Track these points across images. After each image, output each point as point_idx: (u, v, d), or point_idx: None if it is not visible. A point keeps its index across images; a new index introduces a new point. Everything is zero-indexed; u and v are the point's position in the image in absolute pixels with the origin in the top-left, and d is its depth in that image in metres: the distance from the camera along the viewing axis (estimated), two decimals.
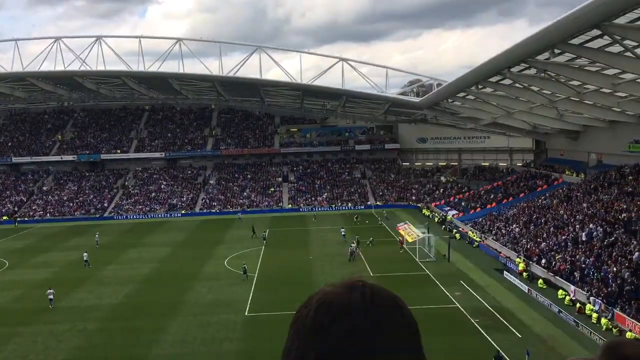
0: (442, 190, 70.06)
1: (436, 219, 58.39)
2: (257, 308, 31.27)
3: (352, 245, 42.62)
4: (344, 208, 68.36)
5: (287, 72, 62.33)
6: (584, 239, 36.33)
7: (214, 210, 69.09)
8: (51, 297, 32.91)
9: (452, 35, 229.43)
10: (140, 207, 70.71)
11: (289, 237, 52.39)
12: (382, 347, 0.89)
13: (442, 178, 73.76)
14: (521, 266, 37.23)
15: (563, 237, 38.27)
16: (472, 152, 76.37)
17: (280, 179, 76.58)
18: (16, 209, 70.80)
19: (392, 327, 0.91)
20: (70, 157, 78.50)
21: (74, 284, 37.09)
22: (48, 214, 69.39)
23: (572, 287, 31.44)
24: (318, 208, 68.91)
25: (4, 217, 68.32)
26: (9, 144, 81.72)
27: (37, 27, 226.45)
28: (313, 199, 71.74)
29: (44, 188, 75.90)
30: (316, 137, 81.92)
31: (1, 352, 26.05)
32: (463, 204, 61.04)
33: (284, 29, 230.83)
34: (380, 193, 72.00)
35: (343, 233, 50.15)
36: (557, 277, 33.87)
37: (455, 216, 57.55)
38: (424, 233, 43.81)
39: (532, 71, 35.57)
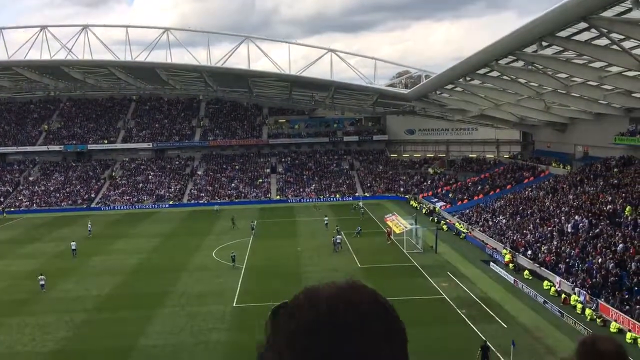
0: (429, 181, 70.39)
1: (424, 211, 58.70)
2: (245, 299, 31.33)
3: (337, 236, 42.85)
4: (332, 199, 68.43)
5: (275, 62, 62.20)
6: (569, 230, 36.74)
7: (201, 201, 68.90)
8: (42, 282, 33.66)
9: (441, 27, 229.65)
10: (127, 197, 70.35)
11: (277, 228, 52.44)
12: (368, 348, 0.90)
13: (430, 170, 74.08)
14: (507, 257, 37.60)
15: (549, 229, 38.68)
16: (459, 143, 76.73)
17: (268, 170, 76.50)
18: (2, 199, 70.13)
19: (377, 329, 0.91)
20: (56, 147, 77.80)
21: (61, 275, 36.90)
22: (34, 205, 68.82)
23: (558, 278, 31.83)
24: (306, 199, 68.99)
25: None
26: None
27: (23, 15, 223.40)
28: (301, 190, 71.77)
29: (30, 178, 75.21)
30: (304, 129, 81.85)
31: None
32: (450, 195, 61.41)
33: (273, 19, 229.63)
34: (368, 184, 72.19)
35: (326, 222, 50.54)
36: (543, 269, 34.27)
37: (442, 207, 57.90)
38: (411, 224, 44.05)
39: (520, 63, 35.79)
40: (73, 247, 43.09)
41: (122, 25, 65.92)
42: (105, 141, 79.53)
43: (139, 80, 73.67)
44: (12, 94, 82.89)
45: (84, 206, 68.30)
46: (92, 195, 71.10)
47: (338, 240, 42.25)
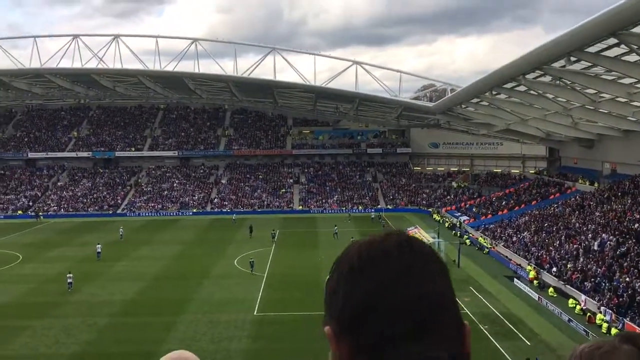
0: (453, 195, 69.88)
1: (446, 224, 58.25)
2: (265, 308, 31.43)
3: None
4: (354, 211, 68.29)
5: (300, 74, 62.33)
6: (595, 248, 36.12)
7: (225, 210, 69.41)
8: (70, 280, 34.91)
9: (467, 42, 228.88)
10: (152, 204, 71.26)
11: (299, 238, 52.53)
12: (422, 283, 0.99)
13: (454, 183, 73.55)
14: (532, 274, 37.08)
15: (575, 246, 38.06)
16: (484, 158, 76.06)
17: (291, 181, 76.81)
18: (31, 203, 71.62)
19: (429, 266, 1.02)
20: (85, 154, 79.35)
21: (86, 279, 37.48)
22: (62, 209, 70.13)
23: (583, 297, 31.28)
24: (329, 210, 69.03)
25: (19, 212, 69.12)
26: (26, 140, 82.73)
27: (56, 25, 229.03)
28: (324, 201, 71.86)
29: (59, 183, 76.72)
30: (328, 140, 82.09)
31: (13, 345, 26.41)
32: (474, 209, 60.86)
33: (299, 30, 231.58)
34: (391, 197, 71.96)
35: (335, 231, 50.59)
36: (568, 286, 33.70)
37: (466, 222, 57.39)
38: (433, 238, 43.76)
39: (547, 78, 35.47)
40: (98, 250, 44.18)
41: (151, 36, 67.15)
42: (133, 149, 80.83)
43: (166, 90, 74.85)
44: (43, 101, 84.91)
45: (110, 212, 69.37)
46: (119, 202, 72.20)
47: None
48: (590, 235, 38.59)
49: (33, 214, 67.81)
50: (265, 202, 71.49)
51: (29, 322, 29.54)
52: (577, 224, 41.94)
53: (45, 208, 70.44)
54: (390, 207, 68.60)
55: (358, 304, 0.99)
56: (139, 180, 77.31)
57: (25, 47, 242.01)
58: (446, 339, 0.98)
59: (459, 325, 1.02)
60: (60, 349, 25.98)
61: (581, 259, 35.76)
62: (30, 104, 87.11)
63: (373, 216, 62.53)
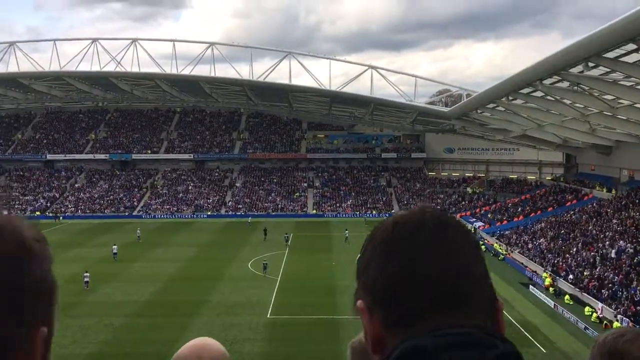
0: (467, 201, 69.52)
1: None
2: (279, 311, 31.51)
3: None
4: (368, 215, 68.18)
5: (316, 78, 62.63)
6: (613, 256, 35.74)
7: (239, 213, 69.72)
8: (86, 279, 35.69)
9: (484, 47, 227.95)
10: (167, 207, 71.80)
11: (313, 242, 52.59)
12: (456, 256, 1.00)
13: (469, 189, 73.17)
14: (547, 281, 36.78)
15: (591, 254, 37.70)
16: (500, 164, 75.58)
17: (305, 184, 76.95)
18: (49, 204, 72.52)
19: (462, 241, 1.03)
20: (102, 156, 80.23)
21: (102, 280, 37.87)
22: (79, 211, 70.92)
23: (600, 305, 30.95)
24: (342, 214, 69.02)
25: (37, 213, 70.02)
26: (44, 141, 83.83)
27: (75, 29, 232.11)
28: (338, 205, 71.89)
29: (77, 185, 77.61)
30: (343, 144, 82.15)
31: None
32: (489, 215, 60.50)
33: (315, 35, 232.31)
34: (405, 202, 71.78)
35: (346, 236, 50.27)
36: (585, 294, 33.37)
37: (480, 228, 57.07)
38: None
39: (565, 84, 35.23)
40: (114, 251, 44.75)
41: (169, 40, 67.94)
42: (149, 151, 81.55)
43: (183, 93, 75.52)
44: (62, 103, 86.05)
45: (126, 214, 70.00)
46: (135, 204, 72.84)
47: None
48: (607, 242, 38.21)
49: (52, 215, 68.66)
50: (280, 206, 71.69)
51: None
52: (594, 231, 41.54)
53: (63, 209, 71.27)
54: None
55: (392, 275, 0.99)
56: (155, 183, 77.96)
57: (45, 50, 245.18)
58: (479, 312, 0.98)
59: (492, 300, 1.02)
60: (77, 349, 26.25)
61: (598, 267, 35.40)
62: (49, 106, 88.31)
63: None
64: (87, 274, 36.22)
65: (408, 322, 0.97)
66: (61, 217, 67.63)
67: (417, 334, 0.93)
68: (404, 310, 0.98)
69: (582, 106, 38.69)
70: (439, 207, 69.27)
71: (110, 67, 64.94)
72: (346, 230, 52.21)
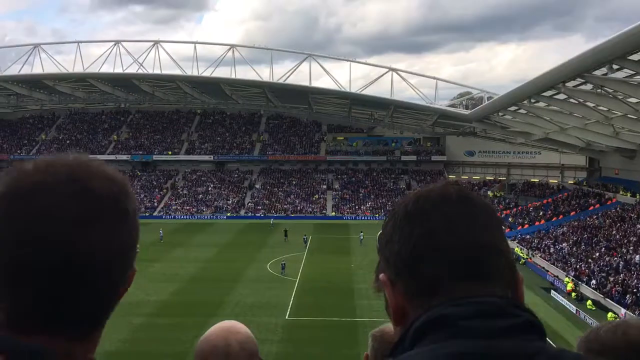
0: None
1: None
2: (298, 312, 31.51)
3: None
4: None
5: (336, 80, 62.71)
6: (637, 261, 35.10)
7: (258, 214, 69.96)
8: None
9: (506, 49, 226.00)
10: (187, 207, 72.34)
11: (332, 244, 52.55)
12: (478, 228, 1.01)
13: (489, 192, 72.46)
14: (569, 286, 36.23)
15: (615, 259, 37.07)
16: (521, 167, 74.77)
17: (324, 186, 76.93)
18: None
19: (485, 216, 1.04)
20: (124, 157, 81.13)
21: None
22: None
23: (623, 310, 30.40)
24: (362, 217, 68.84)
25: None
26: (67, 142, 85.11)
27: (98, 31, 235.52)
28: (357, 207, 71.74)
29: None
30: (362, 146, 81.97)
31: None
32: (510, 219, 59.85)
33: (335, 38, 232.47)
34: None
35: (361, 238, 49.89)
36: (608, 299, 32.80)
37: None
38: None
39: (588, 87, 34.73)
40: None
41: (190, 42, 68.61)
42: (170, 152, 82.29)
43: (204, 95, 76.10)
44: (85, 104, 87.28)
45: (147, 214, 70.66)
46: (155, 204, 73.54)
47: None
48: (631, 247, 37.53)
49: None
50: (299, 208, 71.77)
51: None
52: (618, 236, 40.84)
53: None
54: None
55: (414, 246, 1.00)
56: (175, 184, 78.63)
57: (69, 52, 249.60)
58: (500, 283, 0.99)
59: (513, 272, 1.02)
60: None
61: (622, 272, 34.78)
62: (73, 107, 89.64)
63: None
64: None
65: (430, 292, 0.98)
66: None
67: (439, 304, 0.95)
68: (425, 281, 0.98)
69: (606, 109, 38.12)
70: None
71: (133, 69, 65.79)
72: (361, 232, 51.97)
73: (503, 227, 1.08)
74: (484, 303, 0.94)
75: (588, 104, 37.89)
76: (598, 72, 30.93)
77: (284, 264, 40.77)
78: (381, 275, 1.06)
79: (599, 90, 34.11)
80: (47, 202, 0.89)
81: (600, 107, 37.91)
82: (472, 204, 1.04)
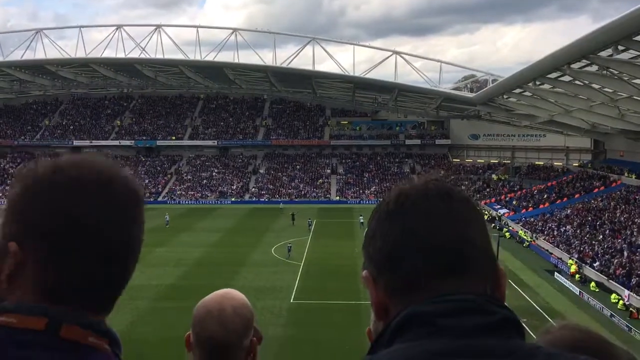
0: (492, 188, 68.80)
1: (485, 217, 57.24)
2: (302, 296, 31.70)
3: None
4: None
5: (339, 64, 62.25)
6: None
7: (262, 199, 70.11)
8: None
9: (511, 31, 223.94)
10: (192, 193, 72.52)
11: (336, 228, 52.69)
12: (457, 224, 1.01)
13: (494, 176, 72.35)
14: (573, 268, 36.30)
15: (619, 241, 37.05)
16: (526, 150, 74.52)
17: (329, 171, 76.93)
18: None
19: (465, 212, 1.04)
20: (128, 142, 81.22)
21: None
22: None
23: (627, 292, 30.46)
24: (366, 201, 68.91)
25: None
26: (71, 128, 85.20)
27: (100, 15, 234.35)
28: (361, 191, 71.77)
29: None
30: (366, 130, 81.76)
31: None
32: (514, 202, 59.81)
33: (339, 21, 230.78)
34: None
35: (361, 221, 50.11)
36: (611, 281, 32.86)
37: (505, 215, 56.47)
38: None
39: (594, 68, 34.42)
40: None
41: (192, 26, 68.23)
42: (173, 137, 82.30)
43: (207, 79, 75.86)
44: (88, 90, 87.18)
45: (151, 199, 70.88)
46: (159, 189, 73.73)
47: None
48: (635, 230, 37.50)
49: None
50: (303, 192, 71.85)
51: None
52: (622, 219, 40.78)
53: None
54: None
55: (394, 243, 1.01)
56: (180, 169, 78.75)
57: (71, 37, 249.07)
58: (480, 279, 1.00)
59: (494, 268, 1.03)
60: None
61: (625, 254, 34.79)
62: (76, 93, 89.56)
63: None
64: None
65: (409, 289, 0.99)
66: None
67: (418, 301, 0.96)
68: (405, 277, 0.99)
69: (611, 91, 37.81)
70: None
71: (135, 54, 65.55)
72: (361, 215, 52.31)
73: (484, 221, 1.09)
74: (461, 300, 0.94)
75: (593, 85, 37.61)
76: (603, 54, 30.64)
77: (290, 246, 41.24)
78: (364, 272, 1.06)
79: (605, 71, 33.81)
80: (82, 197, 1.00)
81: (606, 89, 37.62)
82: (452, 199, 1.04)
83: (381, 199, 1.11)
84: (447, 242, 1.00)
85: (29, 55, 67.56)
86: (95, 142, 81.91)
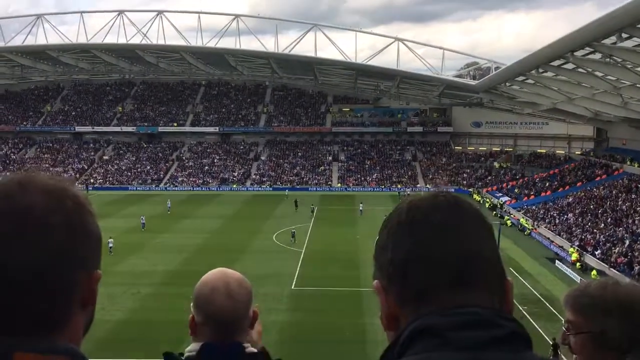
0: (494, 175, 68.73)
1: (487, 205, 57.45)
2: (303, 282, 31.82)
3: None
4: (393, 189, 67.91)
5: (342, 51, 61.95)
6: None
7: (264, 186, 70.15)
8: (111, 245, 36.92)
9: (514, 18, 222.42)
10: (193, 179, 72.58)
11: (337, 215, 52.76)
12: (467, 237, 1.04)
13: (495, 163, 72.27)
14: (574, 256, 36.36)
15: (621, 229, 37.07)
16: (528, 138, 74.34)
17: (330, 158, 76.87)
18: (78, 176, 73.94)
19: (474, 225, 1.07)
20: (129, 129, 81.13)
21: (130, 250, 38.66)
22: (107, 182, 72.18)
23: (627, 280, 30.50)
24: (367, 188, 68.93)
25: None
26: (73, 114, 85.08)
27: (101, 1, 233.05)
28: (362, 179, 71.77)
29: (105, 157, 78.85)
30: (368, 118, 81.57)
31: None
32: (516, 190, 59.79)
33: (341, 7, 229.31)
34: (431, 176, 71.31)
35: (361, 209, 51.03)
36: (612, 269, 32.92)
37: (507, 202, 56.48)
38: None
39: (597, 56, 34.27)
40: (142, 221, 45.81)
41: (194, 12, 67.93)
42: (175, 124, 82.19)
43: (208, 66, 75.61)
44: (89, 76, 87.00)
45: (153, 186, 71.01)
46: (161, 176, 73.78)
47: None
48: (637, 218, 37.50)
49: (83, 186, 70.09)
50: (304, 179, 71.85)
51: None
52: (624, 207, 40.77)
53: (92, 181, 72.62)
54: (429, 187, 68.07)
55: (405, 256, 1.04)
56: (181, 155, 78.74)
57: (72, 22, 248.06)
58: (488, 292, 1.02)
59: (502, 280, 1.06)
60: (106, 315, 26.92)
61: (627, 243, 34.82)
62: (77, 79, 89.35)
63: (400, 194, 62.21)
64: (111, 240, 37.79)
65: (419, 300, 1.01)
66: (88, 190, 68.94)
67: (427, 313, 0.98)
68: (415, 290, 1.02)
69: (615, 79, 37.65)
70: (464, 181, 68.85)
71: (136, 40, 65.24)
72: (361, 203, 52.81)
73: (493, 234, 1.12)
74: (470, 314, 0.97)
75: (596, 73, 37.43)
76: (607, 41, 30.46)
77: (294, 232, 41.95)
78: (375, 283, 1.09)
79: (608, 59, 33.63)
80: None
81: (609, 77, 37.44)
82: (461, 213, 1.07)
83: (392, 210, 1.14)
84: (456, 255, 1.02)
85: (30, 41, 67.34)
86: (97, 129, 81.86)
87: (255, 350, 1.68)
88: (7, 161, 77.11)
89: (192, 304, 1.78)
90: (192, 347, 1.66)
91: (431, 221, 1.05)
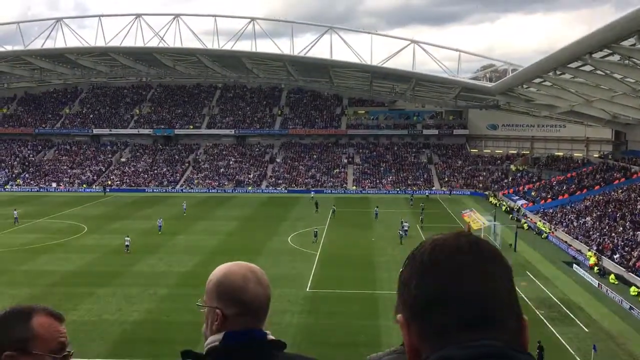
0: (511, 178, 68.16)
1: (503, 208, 56.99)
2: (318, 285, 31.82)
3: (404, 224, 43.91)
4: (408, 192, 67.65)
5: (357, 53, 61.93)
6: None
7: (279, 188, 70.28)
8: (127, 243, 38.62)
9: (532, 20, 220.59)
10: (209, 181, 72.95)
11: (352, 218, 52.69)
12: (486, 278, 1.12)
13: (512, 166, 71.66)
14: (592, 260, 35.92)
15: (639, 233, 36.55)
16: (545, 140, 73.65)
17: (345, 161, 76.81)
18: (95, 177, 74.71)
19: (494, 267, 1.14)
20: (146, 131, 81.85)
21: (147, 251, 38.98)
22: (124, 184, 72.83)
23: None
24: (382, 191, 68.75)
25: (84, 185, 72.30)
26: (90, 116, 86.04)
27: (119, 4, 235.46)
28: (377, 181, 71.61)
29: (122, 159, 79.58)
30: (384, 120, 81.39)
31: (78, 311, 27.78)
32: (533, 193, 59.23)
33: (356, 10, 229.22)
34: (446, 179, 70.93)
35: (376, 212, 51.91)
36: (631, 274, 32.47)
37: (524, 206, 55.97)
38: (490, 221, 42.92)
39: (616, 58, 33.86)
40: (160, 224, 46.16)
41: (210, 15, 68.17)
42: (191, 126, 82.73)
43: (224, 68, 75.96)
44: (107, 79, 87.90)
45: (169, 188, 71.51)
46: (177, 178, 74.29)
47: (402, 234, 42.54)
48: None
49: (101, 188, 70.88)
50: (320, 182, 71.88)
51: (93, 289, 31.00)
52: None
53: (109, 183, 73.34)
54: (444, 189, 67.66)
55: (429, 294, 1.11)
56: (197, 158, 79.20)
57: (91, 26, 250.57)
58: (506, 331, 1.09)
59: (519, 319, 1.13)
60: (123, 315, 27.21)
61: None
62: (95, 81, 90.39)
63: (412, 199, 61.99)
64: (128, 238, 39.07)
65: (439, 337, 1.09)
66: (106, 191, 69.73)
67: (445, 346, 1.06)
68: (437, 326, 1.10)
69: (634, 81, 37.14)
70: (480, 184, 68.38)
71: (154, 43, 65.78)
72: (377, 207, 52.93)
73: (511, 274, 1.17)
74: (485, 346, 1.04)
75: (615, 75, 36.98)
76: (626, 43, 30.10)
77: (317, 231, 43.07)
78: (398, 316, 1.16)
79: (627, 61, 33.23)
80: None
81: (628, 79, 36.96)
82: (482, 255, 1.14)
83: (416, 247, 1.20)
84: (477, 296, 1.09)
85: (49, 44, 68.25)
86: (114, 131, 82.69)
87: (275, 338, 1.74)
88: (26, 163, 78.20)
89: (213, 299, 1.75)
90: (213, 339, 1.66)
91: (454, 262, 1.12)
